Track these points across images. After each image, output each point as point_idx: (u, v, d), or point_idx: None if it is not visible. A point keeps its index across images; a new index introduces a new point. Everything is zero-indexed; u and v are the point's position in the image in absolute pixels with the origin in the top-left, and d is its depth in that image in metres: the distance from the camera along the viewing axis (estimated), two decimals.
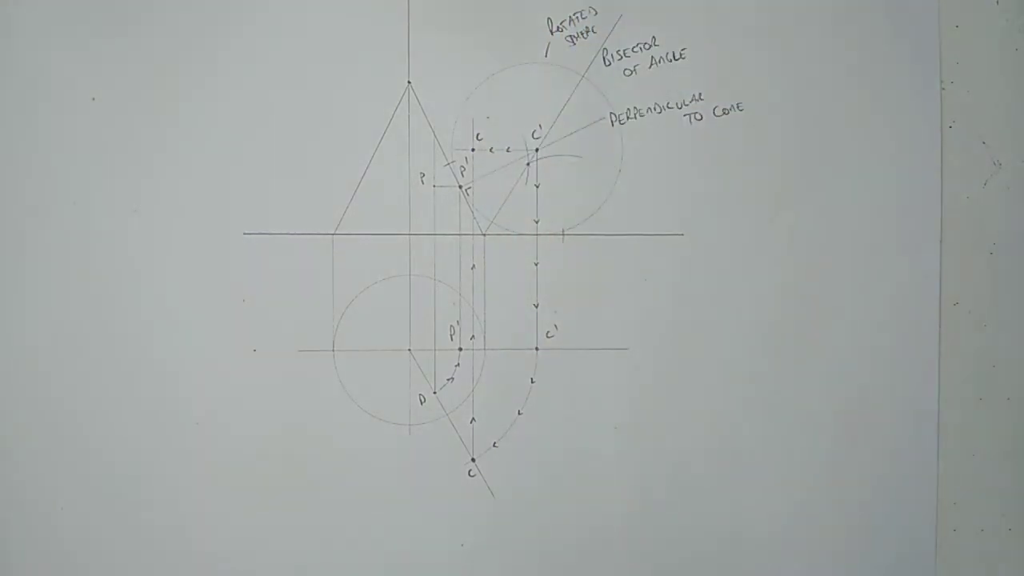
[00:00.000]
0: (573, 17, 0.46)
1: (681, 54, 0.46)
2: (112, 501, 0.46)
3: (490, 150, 0.46)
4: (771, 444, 0.46)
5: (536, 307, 0.46)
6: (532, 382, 0.46)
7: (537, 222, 0.46)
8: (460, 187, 0.46)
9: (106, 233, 0.46)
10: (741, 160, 0.46)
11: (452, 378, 0.46)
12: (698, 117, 0.46)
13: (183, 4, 0.45)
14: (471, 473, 0.46)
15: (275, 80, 0.46)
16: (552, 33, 0.46)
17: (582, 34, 0.46)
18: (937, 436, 0.46)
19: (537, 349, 0.46)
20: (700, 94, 0.46)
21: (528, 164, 0.46)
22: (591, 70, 0.46)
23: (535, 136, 0.46)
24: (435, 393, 0.46)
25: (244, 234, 0.46)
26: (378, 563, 0.46)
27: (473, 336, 0.46)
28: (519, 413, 0.46)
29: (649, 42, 0.46)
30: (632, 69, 0.46)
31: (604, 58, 0.46)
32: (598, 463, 0.46)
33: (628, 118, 0.46)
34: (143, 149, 0.46)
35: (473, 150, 0.46)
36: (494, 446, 0.46)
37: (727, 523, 0.47)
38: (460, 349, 0.46)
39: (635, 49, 0.46)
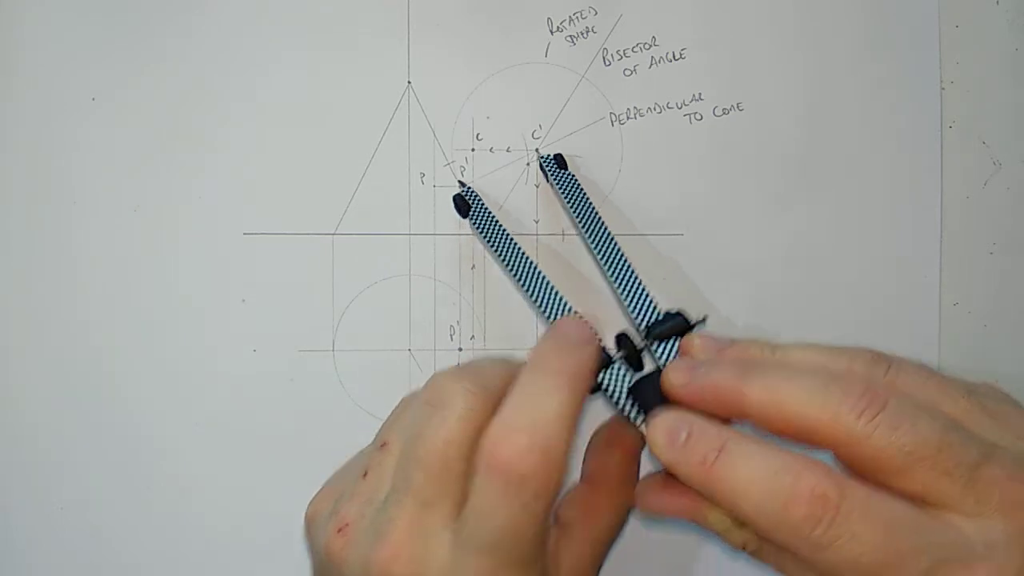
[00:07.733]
0: (573, 17, 0.46)
1: (681, 54, 0.46)
2: (110, 503, 0.46)
3: (490, 150, 0.46)
4: None
5: None
6: None
7: (537, 222, 0.46)
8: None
9: (106, 233, 0.46)
10: (741, 160, 0.46)
11: None
12: (698, 117, 0.46)
13: (183, 4, 0.46)
14: None
15: (275, 80, 0.46)
16: (552, 33, 0.46)
17: (582, 34, 0.46)
18: None
19: None
20: (700, 94, 0.46)
21: (528, 164, 0.46)
22: (591, 70, 0.46)
23: (535, 136, 0.46)
24: None
25: (244, 234, 0.46)
26: None
27: (473, 336, 0.46)
28: None
29: (649, 42, 0.46)
30: (632, 69, 0.46)
31: (604, 58, 0.46)
32: None
33: (628, 118, 0.46)
34: (143, 149, 0.46)
35: (473, 150, 0.46)
36: None
37: None
38: (460, 349, 0.46)
39: (635, 49, 0.46)
